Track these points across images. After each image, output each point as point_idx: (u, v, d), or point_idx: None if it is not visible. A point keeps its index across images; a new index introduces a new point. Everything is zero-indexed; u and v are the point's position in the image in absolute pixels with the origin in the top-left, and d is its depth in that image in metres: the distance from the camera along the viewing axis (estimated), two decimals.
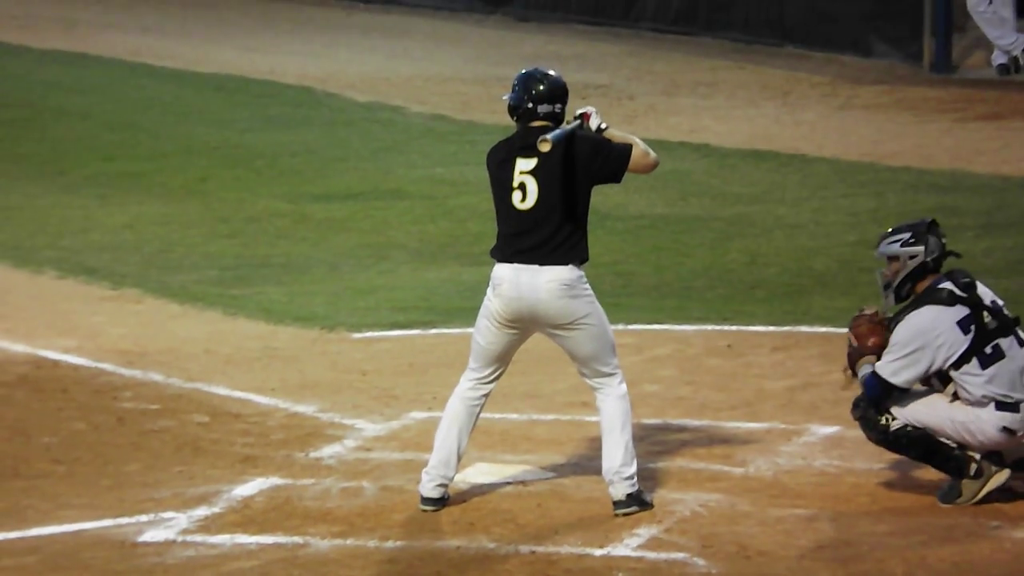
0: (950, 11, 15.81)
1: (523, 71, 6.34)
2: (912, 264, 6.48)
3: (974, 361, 6.41)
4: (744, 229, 11.08)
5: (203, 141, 14.00)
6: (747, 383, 8.01)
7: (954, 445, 6.50)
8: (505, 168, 6.28)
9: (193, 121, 14.81)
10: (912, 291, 6.51)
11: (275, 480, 6.85)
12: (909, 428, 6.45)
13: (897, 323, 6.50)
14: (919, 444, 6.46)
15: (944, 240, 6.53)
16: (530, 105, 6.24)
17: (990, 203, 11.55)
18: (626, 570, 5.99)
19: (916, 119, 14.34)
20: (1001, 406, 6.42)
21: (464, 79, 16.18)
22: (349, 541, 6.27)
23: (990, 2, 15.37)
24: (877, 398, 6.48)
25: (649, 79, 16.11)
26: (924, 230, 6.51)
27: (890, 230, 6.58)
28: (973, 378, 6.41)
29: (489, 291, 6.34)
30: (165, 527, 6.38)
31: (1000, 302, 6.56)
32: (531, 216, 6.23)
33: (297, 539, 6.29)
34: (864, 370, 6.54)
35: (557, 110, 6.25)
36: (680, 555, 6.10)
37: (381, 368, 8.31)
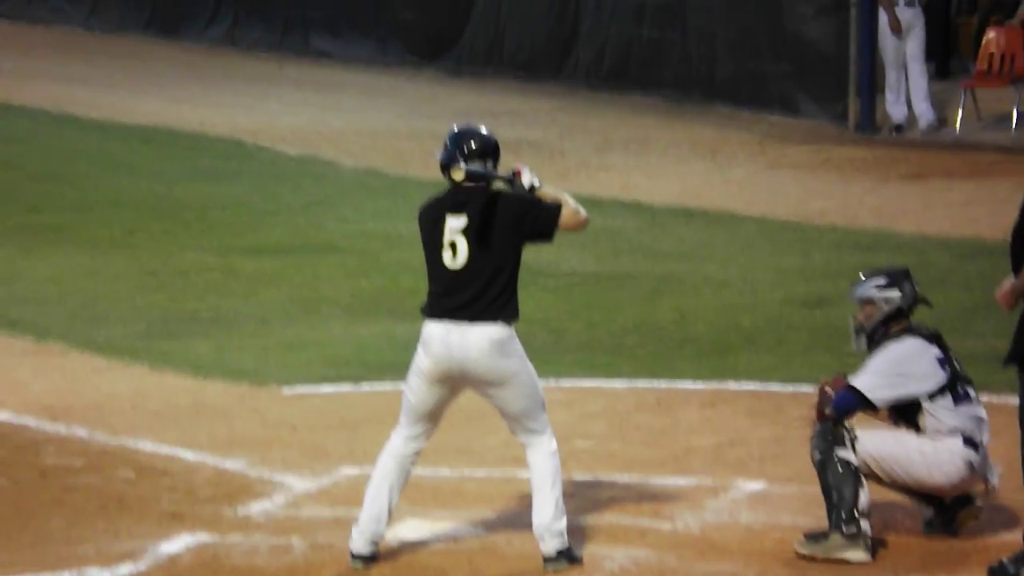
0: (874, 72, 16.16)
1: (454, 128, 6.37)
2: (888, 308, 6.54)
3: (948, 396, 6.51)
4: (674, 286, 11.19)
5: (130, 193, 13.89)
6: (676, 439, 8.06)
7: (893, 486, 6.52)
8: (436, 226, 6.29)
9: (120, 173, 14.69)
10: (884, 335, 6.59)
11: (202, 537, 6.77)
12: (852, 466, 6.47)
13: (879, 348, 6.54)
14: (841, 480, 6.47)
15: (918, 287, 6.61)
16: (461, 164, 6.26)
17: (913, 262, 11.70)
18: None
19: (841, 178, 14.58)
20: (967, 442, 6.51)
21: (397, 133, 16.22)
22: None
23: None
24: (847, 410, 6.48)
25: (581, 135, 16.26)
26: (901, 276, 6.59)
27: (865, 275, 6.64)
28: (946, 410, 6.50)
29: (419, 348, 6.34)
30: None
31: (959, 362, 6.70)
32: (461, 275, 6.26)
33: None
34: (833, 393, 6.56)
35: (488, 167, 6.28)
36: None
37: (311, 423, 8.25)
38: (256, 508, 7.10)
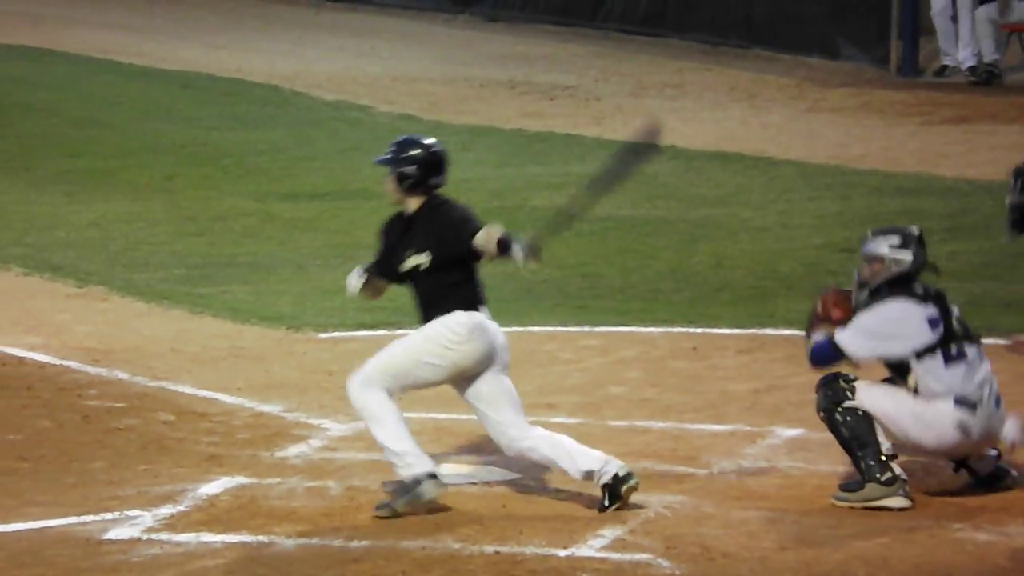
0: (917, 14, 15.94)
1: (402, 138, 6.55)
2: (896, 269, 6.44)
3: (939, 355, 6.42)
4: (710, 232, 11.14)
5: (170, 139, 13.95)
6: (712, 385, 8.06)
7: (896, 444, 6.48)
8: None
9: (160, 119, 14.75)
10: (888, 295, 6.50)
11: (240, 479, 6.84)
12: (860, 412, 6.43)
13: (872, 305, 6.46)
14: (856, 430, 6.42)
15: (928, 253, 6.50)
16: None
17: (955, 206, 11.65)
18: (590, 571, 6.02)
19: (882, 122, 14.44)
20: (960, 403, 6.44)
21: (432, 79, 16.17)
22: (314, 540, 6.27)
23: (952, 16, 15.53)
24: (822, 362, 6.42)
25: (616, 80, 16.15)
26: (914, 238, 6.46)
27: (878, 230, 6.52)
28: (935, 370, 6.42)
29: (461, 336, 6.43)
30: (130, 525, 6.37)
31: (963, 320, 6.58)
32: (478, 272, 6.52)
33: (262, 538, 6.29)
34: (817, 336, 6.50)
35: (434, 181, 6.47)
36: (644, 556, 6.13)
37: (347, 368, 8.28)
38: (293, 451, 7.17)
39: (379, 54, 17.48)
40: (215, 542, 6.24)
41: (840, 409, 6.44)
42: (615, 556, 6.13)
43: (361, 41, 18.15)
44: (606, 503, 6.46)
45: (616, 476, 6.43)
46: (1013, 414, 6.60)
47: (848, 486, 6.51)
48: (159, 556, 6.13)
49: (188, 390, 7.92)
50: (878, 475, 6.43)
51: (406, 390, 6.59)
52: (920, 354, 6.42)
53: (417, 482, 6.42)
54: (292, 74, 16.39)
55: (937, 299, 6.49)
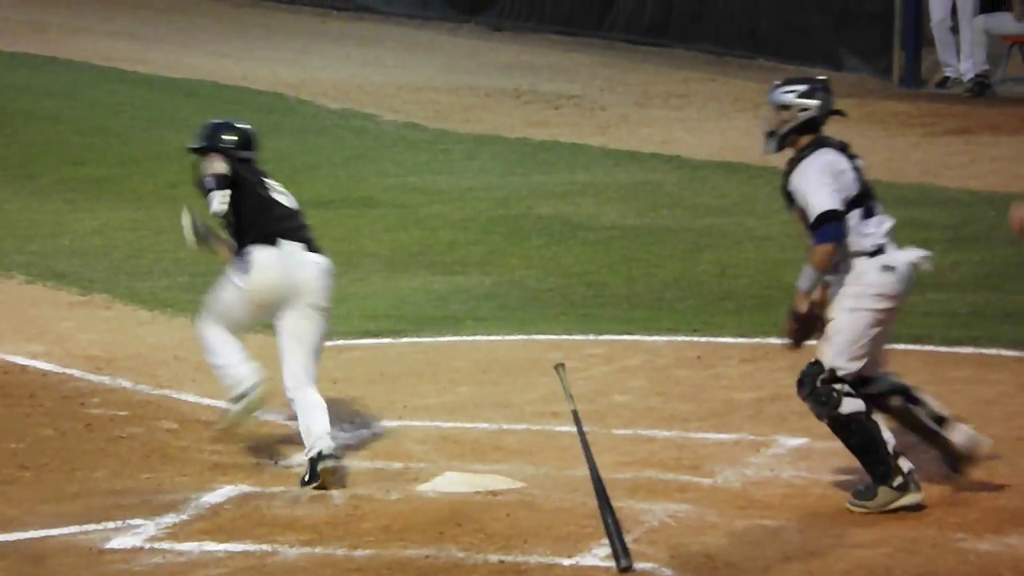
0: (920, 26, 15.95)
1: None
2: (802, 116, 6.52)
3: (859, 210, 6.47)
4: (715, 241, 11.13)
5: (174, 147, 13.95)
6: (716, 394, 8.05)
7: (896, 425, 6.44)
8: (260, 181, 7.13)
9: (164, 126, 14.76)
10: (795, 143, 6.55)
11: (244, 488, 6.84)
12: (861, 415, 6.43)
13: (795, 171, 6.50)
14: (861, 436, 6.43)
15: (832, 99, 6.56)
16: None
17: (958, 217, 11.64)
18: None
19: (885, 133, 14.44)
20: (876, 252, 6.47)
21: (437, 88, 16.19)
22: (318, 549, 6.26)
23: (952, 28, 15.54)
24: (838, 235, 6.38)
25: (622, 90, 16.16)
26: (820, 86, 6.56)
27: (784, 80, 6.62)
28: (857, 226, 6.44)
29: (263, 269, 6.94)
30: (132, 534, 6.36)
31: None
32: (298, 214, 7.21)
33: (266, 547, 6.28)
34: (803, 280, 6.42)
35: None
36: (648, 565, 6.12)
37: (352, 377, 8.31)
38: (297, 459, 7.16)
39: (384, 63, 17.50)
40: (218, 551, 6.23)
41: (843, 418, 6.44)
42: None
43: (366, 50, 18.17)
44: (306, 478, 6.76)
45: (320, 453, 6.74)
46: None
47: (862, 493, 6.50)
48: (162, 565, 6.12)
49: (191, 398, 7.91)
50: (890, 481, 6.43)
51: (238, 324, 7.10)
52: (847, 206, 6.45)
53: (245, 393, 6.96)
54: (297, 82, 16.40)
55: (845, 149, 6.58)
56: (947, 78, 15.82)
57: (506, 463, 7.06)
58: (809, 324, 6.49)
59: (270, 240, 7.03)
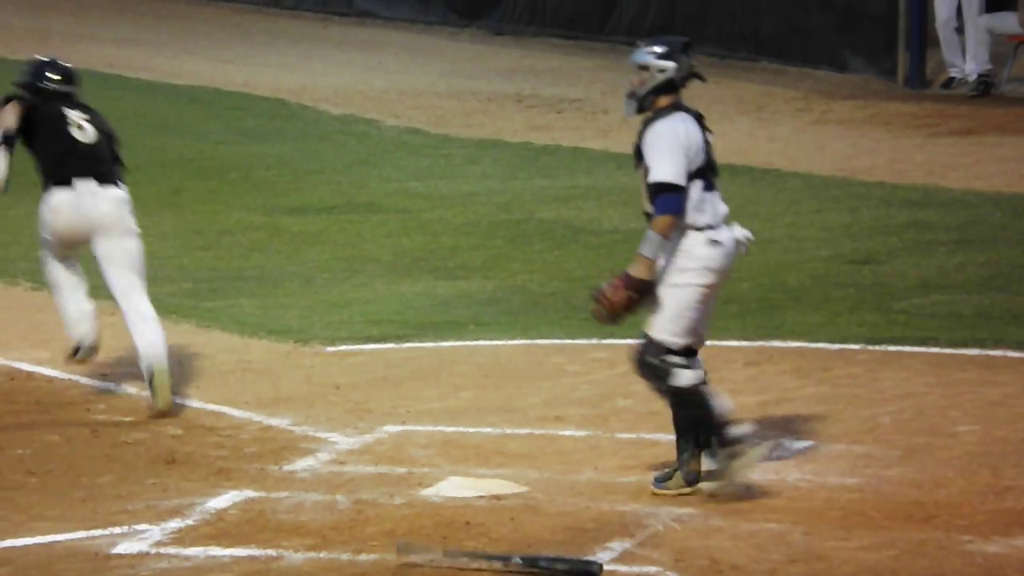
0: (924, 27, 15.94)
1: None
2: (661, 78, 6.56)
3: (700, 182, 6.52)
4: None
5: (177, 153, 13.97)
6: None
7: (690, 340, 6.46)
8: (59, 117, 7.68)
9: (167, 133, 14.78)
10: (653, 104, 6.61)
11: (248, 493, 6.84)
12: (693, 389, 6.52)
13: (648, 131, 6.54)
14: (697, 407, 6.52)
15: (694, 62, 6.63)
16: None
17: (963, 218, 11.63)
18: None
19: (890, 134, 14.43)
20: (706, 227, 6.52)
21: (438, 93, 16.20)
22: (322, 554, 6.26)
23: (958, 28, 15.53)
24: (678, 208, 6.42)
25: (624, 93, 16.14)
26: (679, 48, 6.63)
27: (647, 41, 6.68)
28: (694, 194, 6.49)
29: (44, 215, 7.68)
30: (138, 539, 6.36)
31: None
32: (93, 148, 7.79)
33: (271, 552, 6.28)
34: (635, 266, 6.40)
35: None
36: (653, 569, 6.12)
37: (355, 381, 8.31)
38: (301, 465, 7.16)
39: (386, 68, 17.51)
40: (223, 556, 6.23)
41: (679, 391, 6.53)
42: (623, 569, 6.12)
43: (368, 55, 18.18)
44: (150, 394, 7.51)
45: (151, 371, 7.47)
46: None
47: (661, 477, 6.64)
48: (168, 570, 6.12)
49: (196, 404, 7.92)
50: (729, 446, 6.53)
51: (65, 257, 7.83)
52: (692, 175, 6.49)
53: (77, 348, 7.73)
54: (299, 88, 16.42)
55: (700, 119, 6.65)
56: (952, 79, 15.81)
57: (510, 467, 7.06)
58: (645, 295, 6.45)
59: (65, 181, 7.62)
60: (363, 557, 6.22)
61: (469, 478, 6.98)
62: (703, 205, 6.50)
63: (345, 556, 6.24)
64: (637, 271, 6.43)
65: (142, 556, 6.23)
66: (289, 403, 7.95)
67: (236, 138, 14.54)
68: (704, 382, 6.54)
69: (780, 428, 7.59)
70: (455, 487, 6.86)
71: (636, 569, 6.10)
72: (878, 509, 6.67)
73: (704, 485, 6.61)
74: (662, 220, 6.44)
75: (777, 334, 9.06)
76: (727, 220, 6.60)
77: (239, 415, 7.78)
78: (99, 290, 10.10)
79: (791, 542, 6.36)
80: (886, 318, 9.37)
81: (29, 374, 8.34)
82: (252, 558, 6.22)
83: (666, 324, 6.50)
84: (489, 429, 7.55)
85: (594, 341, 8.75)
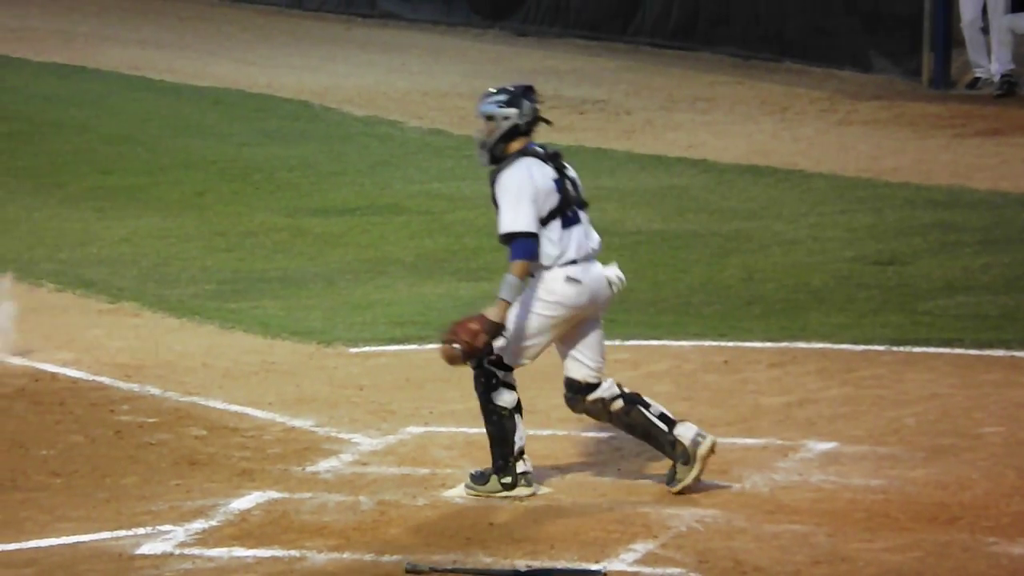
0: (949, 27, 15.85)
1: None
2: (506, 125, 6.69)
3: (557, 221, 6.67)
4: (741, 245, 11.10)
5: (201, 155, 14.02)
6: (744, 399, 8.02)
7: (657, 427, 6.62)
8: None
9: (191, 135, 14.83)
10: (504, 151, 6.76)
11: (272, 494, 6.85)
12: (505, 411, 6.67)
13: (497, 181, 6.71)
14: (498, 427, 6.69)
15: (537, 106, 6.79)
16: None
17: (988, 219, 11.57)
18: None
19: (915, 135, 14.37)
20: (568, 263, 6.67)
21: (462, 94, 16.21)
22: (346, 555, 6.27)
23: (983, 28, 15.44)
24: (530, 253, 6.58)
25: (647, 94, 16.15)
26: (520, 93, 6.79)
27: (490, 91, 6.85)
28: (552, 234, 6.63)
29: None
30: (162, 540, 6.38)
31: (579, 182, 6.82)
32: None
33: (294, 553, 6.29)
34: (504, 287, 6.54)
35: None
36: (676, 570, 6.10)
37: (378, 383, 8.32)
38: (324, 466, 7.17)
39: (409, 69, 17.53)
40: (247, 557, 6.24)
41: (490, 404, 6.68)
42: (647, 570, 6.10)
43: (391, 56, 18.21)
44: None
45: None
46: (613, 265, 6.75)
47: (476, 478, 6.74)
48: (191, 571, 6.14)
49: (219, 405, 7.94)
50: (501, 475, 6.68)
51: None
52: (545, 219, 6.64)
53: None
54: (322, 90, 16.45)
55: (554, 158, 6.78)
56: (978, 79, 15.72)
57: (533, 468, 7.05)
58: (494, 337, 6.61)
59: None
60: (386, 558, 6.23)
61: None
62: (563, 243, 6.67)
63: (368, 557, 6.25)
64: (494, 314, 6.63)
65: (166, 557, 6.25)
66: (312, 404, 7.96)
67: (259, 140, 14.58)
68: (513, 410, 6.72)
69: (804, 429, 7.56)
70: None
71: (659, 570, 6.09)
72: (903, 511, 6.64)
73: (455, 490, 6.67)
74: (517, 265, 6.62)
75: (801, 335, 9.03)
76: (596, 252, 6.71)
77: (262, 416, 7.79)
78: (123, 291, 10.18)
79: (815, 543, 6.34)
80: (911, 319, 9.32)
81: (53, 375, 8.38)
82: (275, 559, 6.23)
83: (506, 344, 6.69)
84: None
85: (617, 342, 8.74)
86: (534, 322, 6.66)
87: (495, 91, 6.79)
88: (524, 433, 6.72)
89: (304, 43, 19.06)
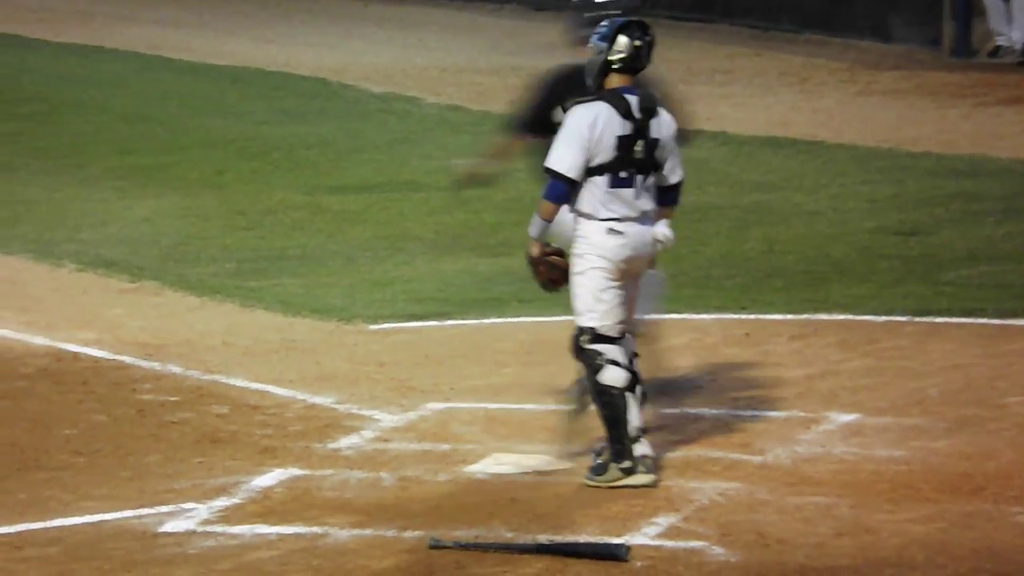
0: None
1: None
2: (598, 60, 6.40)
3: (606, 177, 6.40)
4: (762, 217, 11.05)
5: (220, 134, 14.02)
6: (765, 371, 7.99)
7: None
8: None
9: (209, 113, 14.83)
10: (601, 85, 6.46)
11: (294, 471, 6.86)
12: (614, 391, 6.47)
13: (568, 112, 6.45)
14: (610, 409, 6.48)
15: (638, 43, 6.43)
16: None
17: (1011, 188, 11.49)
18: (644, 559, 5.98)
19: (936, 104, 14.27)
20: (608, 218, 6.45)
21: (479, 69, 16.16)
22: (368, 531, 6.28)
23: None
24: (559, 196, 6.40)
25: (665, 67, 16.01)
26: (615, 29, 6.44)
27: (603, 23, 6.54)
28: (596, 188, 6.40)
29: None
30: (185, 518, 6.40)
31: (666, 143, 6.48)
32: None
33: (316, 529, 6.30)
34: (535, 223, 6.43)
35: None
36: (698, 544, 6.09)
37: (398, 359, 8.32)
38: (345, 443, 7.18)
39: (426, 45, 17.48)
40: (270, 534, 6.26)
41: (599, 387, 6.49)
42: (669, 544, 6.09)
43: (408, 33, 18.16)
44: None
45: None
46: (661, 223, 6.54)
47: (596, 469, 6.57)
48: (215, 548, 6.16)
49: (241, 383, 7.95)
50: (620, 461, 6.50)
51: None
52: (595, 169, 6.40)
53: None
54: (340, 67, 16.42)
55: (639, 114, 6.43)
56: (999, 47, 15.58)
57: (554, 444, 7.04)
58: (551, 266, 6.49)
59: None
60: (408, 534, 6.24)
61: (513, 455, 6.98)
62: (608, 200, 6.44)
63: (390, 533, 6.26)
64: (528, 250, 6.54)
65: (189, 534, 6.26)
66: (333, 381, 7.97)
67: (278, 118, 14.57)
68: (624, 388, 6.50)
69: (826, 401, 7.53)
70: (499, 463, 6.86)
71: (682, 544, 6.08)
72: (926, 481, 6.61)
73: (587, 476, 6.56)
74: (544, 204, 6.44)
75: (823, 307, 8.98)
76: (645, 215, 6.49)
77: (284, 394, 7.80)
78: (144, 271, 10.20)
79: (838, 515, 6.32)
80: (933, 289, 9.27)
81: (75, 355, 8.41)
82: (298, 535, 6.25)
83: (582, 309, 6.53)
84: (533, 406, 7.54)
85: (637, 316, 8.71)
86: (590, 279, 6.46)
87: (605, 24, 6.45)
88: (637, 416, 6.49)
89: (322, 20, 19.03)
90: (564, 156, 6.40)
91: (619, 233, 6.46)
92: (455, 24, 18.56)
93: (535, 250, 6.48)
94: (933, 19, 15.99)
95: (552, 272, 6.53)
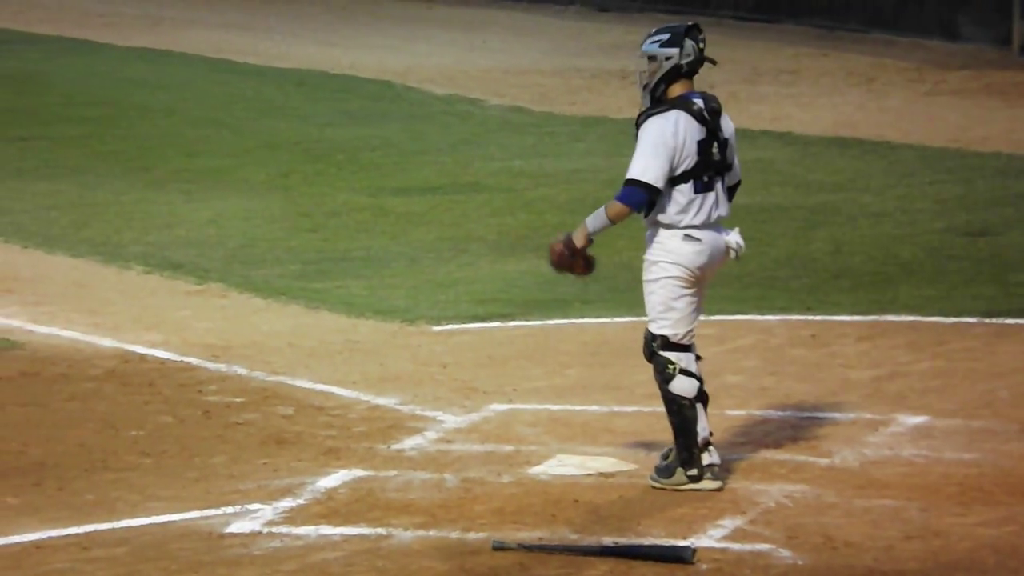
0: None
1: None
2: (668, 65, 6.43)
3: (690, 184, 6.41)
4: (828, 218, 10.95)
5: (284, 136, 14.13)
6: (832, 373, 7.91)
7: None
8: None
9: (275, 116, 14.94)
10: (665, 93, 6.48)
11: (358, 472, 6.88)
12: (684, 401, 6.46)
13: (643, 125, 6.46)
14: (680, 418, 6.48)
15: (702, 46, 6.48)
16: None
17: None
18: (710, 561, 5.94)
19: (1004, 104, 14.08)
20: (686, 227, 6.44)
21: (542, 71, 16.15)
22: (432, 532, 6.28)
23: None
24: (638, 202, 6.39)
25: (730, 67, 15.96)
26: (682, 32, 6.48)
27: (654, 30, 6.56)
28: (680, 196, 6.39)
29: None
30: (251, 519, 6.44)
31: (732, 142, 6.53)
32: None
33: (380, 530, 6.31)
34: (596, 220, 6.40)
35: None
36: (765, 546, 6.03)
37: (461, 361, 8.32)
38: (409, 444, 7.19)
39: (490, 47, 17.50)
40: (334, 535, 6.28)
41: (669, 394, 6.48)
42: (735, 547, 6.04)
43: (472, 35, 18.19)
44: None
45: None
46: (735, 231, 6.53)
47: (661, 470, 6.55)
48: (280, 549, 6.18)
49: (305, 384, 7.99)
50: (687, 467, 6.48)
51: None
52: (680, 177, 6.40)
53: None
54: (404, 69, 16.48)
55: (711, 116, 6.48)
56: None
57: (617, 445, 7.01)
58: (587, 261, 6.46)
59: None
60: (472, 535, 6.23)
61: (577, 456, 6.94)
62: (690, 207, 6.45)
63: (454, 534, 6.25)
64: (576, 236, 6.49)
65: (254, 535, 6.29)
66: (396, 382, 7.98)
67: (342, 120, 14.65)
68: (695, 399, 6.50)
69: (894, 403, 7.43)
70: (563, 465, 6.83)
71: (748, 547, 6.02)
72: (997, 484, 6.51)
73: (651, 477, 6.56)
74: (617, 206, 6.44)
75: (890, 308, 8.88)
76: (723, 219, 6.51)
77: (347, 395, 7.83)
78: (210, 273, 10.30)
79: (907, 518, 6.23)
80: (1003, 291, 9.13)
81: (142, 356, 8.49)
82: (362, 536, 6.26)
83: (654, 318, 6.52)
84: (596, 407, 7.51)
85: (702, 317, 8.66)
86: (663, 287, 6.46)
87: (657, 30, 6.50)
88: (707, 423, 6.50)
89: (385, 23, 19.12)
90: (650, 166, 6.40)
91: (696, 240, 6.46)
92: (518, 25, 18.57)
93: (581, 240, 6.46)
94: (1002, 18, 15.78)
95: (586, 267, 6.54)
